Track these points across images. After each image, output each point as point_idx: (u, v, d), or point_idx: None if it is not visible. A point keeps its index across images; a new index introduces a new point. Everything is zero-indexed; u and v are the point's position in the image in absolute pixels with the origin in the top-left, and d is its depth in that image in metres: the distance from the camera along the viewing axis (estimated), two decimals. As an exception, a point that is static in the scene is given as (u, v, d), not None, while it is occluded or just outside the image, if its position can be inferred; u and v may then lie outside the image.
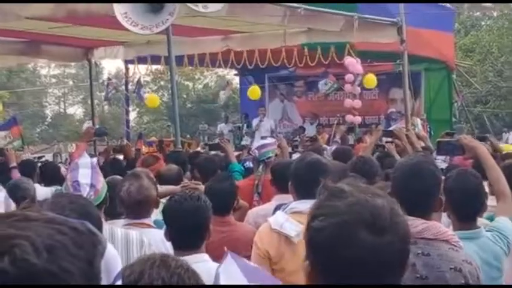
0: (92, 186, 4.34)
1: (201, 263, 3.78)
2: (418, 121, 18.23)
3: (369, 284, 1.86)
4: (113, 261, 3.61)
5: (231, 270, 3.59)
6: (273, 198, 6.17)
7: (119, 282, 1.89)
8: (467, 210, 4.30)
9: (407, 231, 1.95)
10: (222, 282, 3.52)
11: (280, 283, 3.71)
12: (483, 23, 45.70)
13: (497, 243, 4.17)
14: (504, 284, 4.25)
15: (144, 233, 4.59)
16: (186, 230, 4.04)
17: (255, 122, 21.86)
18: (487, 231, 4.25)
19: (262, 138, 10.39)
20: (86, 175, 4.38)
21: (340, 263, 1.87)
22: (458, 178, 4.41)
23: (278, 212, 4.76)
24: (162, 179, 6.77)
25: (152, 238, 4.60)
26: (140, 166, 7.73)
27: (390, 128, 12.39)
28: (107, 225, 4.33)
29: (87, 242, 1.38)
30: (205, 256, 3.97)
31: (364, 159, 6.73)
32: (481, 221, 4.49)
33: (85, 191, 4.27)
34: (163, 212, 4.27)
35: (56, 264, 1.28)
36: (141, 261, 1.92)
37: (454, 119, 22.74)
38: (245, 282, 3.51)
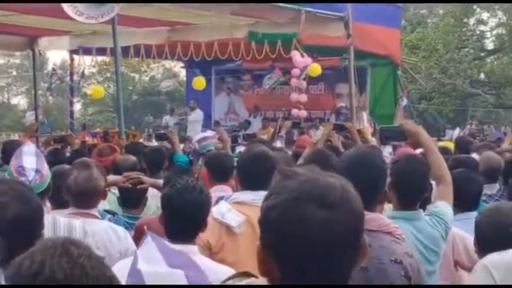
0: (37, 171, 4.28)
1: (190, 255, 3.74)
2: (364, 115, 18.36)
3: (320, 263, 1.84)
4: None
5: (149, 252, 3.55)
6: (211, 190, 6.16)
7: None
8: (409, 192, 4.30)
9: (360, 208, 1.92)
10: (140, 265, 3.48)
11: (203, 269, 3.70)
12: (429, 20, 46.24)
13: (434, 227, 4.18)
14: (441, 267, 4.30)
15: (88, 224, 4.49)
16: (182, 222, 3.93)
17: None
18: (426, 215, 4.27)
19: (203, 131, 10.40)
20: (30, 161, 4.32)
21: (290, 240, 1.84)
22: (407, 161, 4.44)
23: (221, 202, 4.75)
24: (117, 168, 6.69)
25: (96, 229, 4.54)
26: (96, 156, 7.66)
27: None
28: (48, 214, 4.26)
29: None
30: (195, 248, 3.90)
31: (319, 151, 6.70)
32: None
33: (30, 175, 4.21)
34: (162, 197, 4.16)
35: None
36: (42, 249, 1.83)
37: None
38: (163, 265, 3.49)
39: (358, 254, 1.93)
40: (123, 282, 3.39)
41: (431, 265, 4.12)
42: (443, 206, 4.33)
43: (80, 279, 1.76)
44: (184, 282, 3.45)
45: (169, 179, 5.43)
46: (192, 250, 3.83)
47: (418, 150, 5.62)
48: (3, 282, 2.03)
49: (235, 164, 5.71)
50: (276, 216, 1.87)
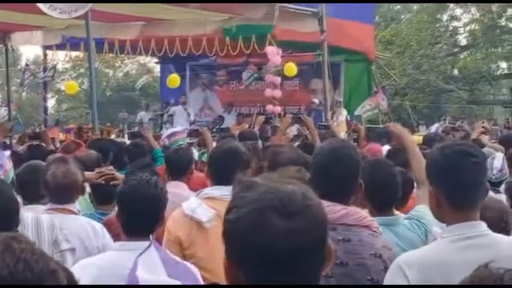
0: (0, 166, 4.25)
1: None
2: (344, 111, 18.39)
3: (284, 271, 1.85)
4: None
5: (150, 259, 3.57)
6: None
7: None
8: (382, 198, 4.32)
9: (322, 215, 1.93)
10: (138, 271, 3.49)
11: (199, 278, 3.70)
12: (403, 16, 46.37)
13: (413, 231, 4.19)
14: None
15: (67, 219, 4.54)
16: (136, 217, 3.86)
17: (172, 110, 21.83)
18: (405, 219, 4.28)
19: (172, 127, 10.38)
20: None
21: (253, 251, 1.85)
22: (374, 166, 4.44)
23: (192, 197, 4.74)
24: (80, 164, 6.66)
25: (74, 225, 4.56)
26: (61, 152, 7.62)
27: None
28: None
29: None
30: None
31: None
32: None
33: None
34: (117, 194, 4.15)
35: None
36: None
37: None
38: (163, 273, 3.50)
39: (323, 259, 1.94)
40: (85, 275, 3.41)
41: None
42: (422, 209, 4.29)
43: (24, 274, 1.74)
44: None
45: (129, 175, 5.42)
46: (144, 246, 3.81)
47: (385, 148, 5.64)
48: None
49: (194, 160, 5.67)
50: (240, 228, 1.87)
